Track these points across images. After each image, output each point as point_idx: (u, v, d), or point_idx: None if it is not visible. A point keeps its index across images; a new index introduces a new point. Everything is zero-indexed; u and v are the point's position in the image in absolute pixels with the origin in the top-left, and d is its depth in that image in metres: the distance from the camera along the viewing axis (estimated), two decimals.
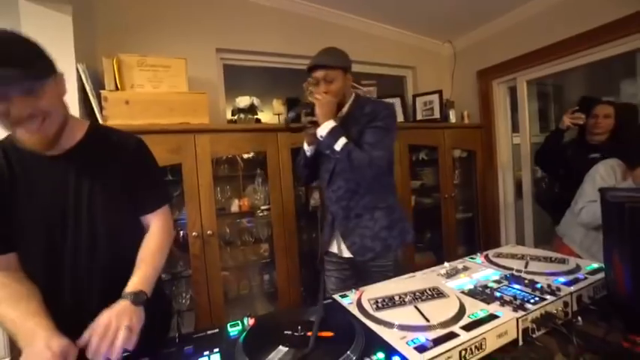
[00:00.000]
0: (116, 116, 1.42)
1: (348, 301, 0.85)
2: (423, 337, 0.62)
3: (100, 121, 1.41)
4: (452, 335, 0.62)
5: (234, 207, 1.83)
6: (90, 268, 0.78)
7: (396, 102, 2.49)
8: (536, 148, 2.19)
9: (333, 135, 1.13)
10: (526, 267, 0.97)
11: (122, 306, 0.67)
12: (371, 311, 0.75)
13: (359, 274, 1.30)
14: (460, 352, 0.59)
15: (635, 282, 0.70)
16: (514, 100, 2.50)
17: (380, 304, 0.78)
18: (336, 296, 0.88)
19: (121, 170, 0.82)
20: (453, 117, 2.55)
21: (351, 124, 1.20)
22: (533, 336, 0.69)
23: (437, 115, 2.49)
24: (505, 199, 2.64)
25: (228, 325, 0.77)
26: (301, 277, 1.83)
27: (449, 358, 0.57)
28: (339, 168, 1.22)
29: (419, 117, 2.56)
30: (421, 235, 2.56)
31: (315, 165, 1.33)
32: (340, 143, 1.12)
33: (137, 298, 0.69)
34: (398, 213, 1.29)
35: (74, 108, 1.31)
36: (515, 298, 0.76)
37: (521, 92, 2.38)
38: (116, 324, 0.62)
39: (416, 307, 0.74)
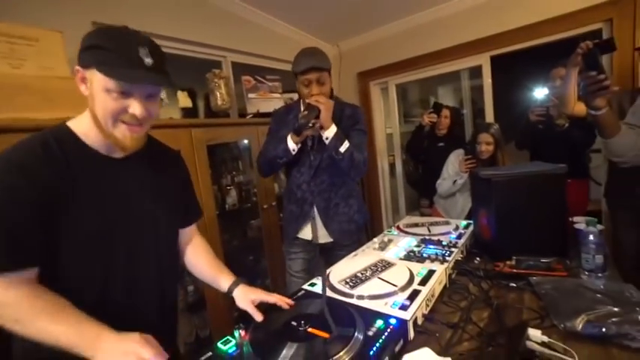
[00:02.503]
0: None
1: (319, 287, 0.95)
2: (399, 299, 0.79)
3: None
4: (416, 292, 0.82)
5: None
6: (148, 278, 0.77)
7: (294, 97, 2.63)
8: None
9: (339, 138, 1.26)
10: (429, 232, 1.32)
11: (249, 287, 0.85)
12: (348, 290, 0.88)
13: (326, 256, 1.49)
14: (426, 303, 0.80)
15: (496, 230, 1.09)
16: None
17: (351, 283, 0.92)
18: (306, 286, 0.97)
19: (174, 180, 0.85)
20: None
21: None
22: (452, 277, 0.99)
23: None
24: (383, 179, 3.26)
25: (219, 343, 0.73)
26: None
27: (421, 308, 0.77)
28: (324, 164, 1.37)
29: None
30: None
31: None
32: (345, 145, 1.26)
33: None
34: (361, 199, 1.55)
35: None
36: (436, 255, 1.04)
37: (392, 93, 2.95)
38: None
39: (380, 278, 0.92)
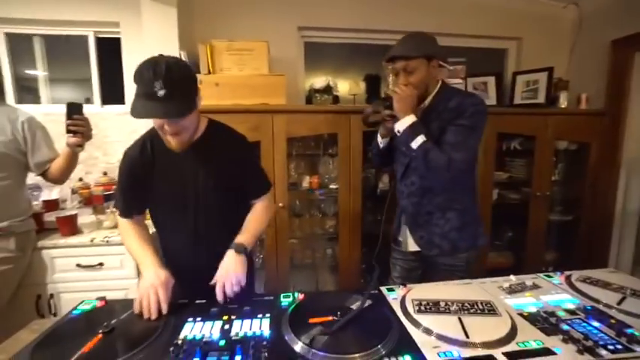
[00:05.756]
0: (207, 97, 1.59)
1: (394, 295, 0.87)
2: (456, 352, 0.61)
3: None
4: (489, 359, 0.59)
5: (305, 183, 1.96)
6: (204, 233, 1.02)
7: (490, 81, 2.17)
8: None
9: (412, 131, 1.07)
10: (620, 303, 0.81)
11: (230, 256, 0.92)
12: (412, 312, 0.76)
13: (426, 268, 1.29)
14: None
15: None
16: None
17: (423, 307, 0.78)
18: (383, 289, 0.91)
19: (231, 161, 1.00)
20: (564, 101, 2.10)
21: (432, 118, 1.12)
22: None
23: (541, 98, 2.08)
24: (625, 205, 2.14)
25: (282, 295, 0.88)
26: (362, 255, 1.90)
27: None
28: (414, 164, 1.17)
29: (516, 100, 2.18)
30: (500, 232, 2.31)
31: (388, 154, 1.30)
32: (418, 141, 1.06)
33: (239, 248, 0.94)
34: (473, 215, 1.21)
35: None
36: (586, 337, 0.66)
37: None
38: (233, 272, 0.88)
39: (459, 319, 0.72)
